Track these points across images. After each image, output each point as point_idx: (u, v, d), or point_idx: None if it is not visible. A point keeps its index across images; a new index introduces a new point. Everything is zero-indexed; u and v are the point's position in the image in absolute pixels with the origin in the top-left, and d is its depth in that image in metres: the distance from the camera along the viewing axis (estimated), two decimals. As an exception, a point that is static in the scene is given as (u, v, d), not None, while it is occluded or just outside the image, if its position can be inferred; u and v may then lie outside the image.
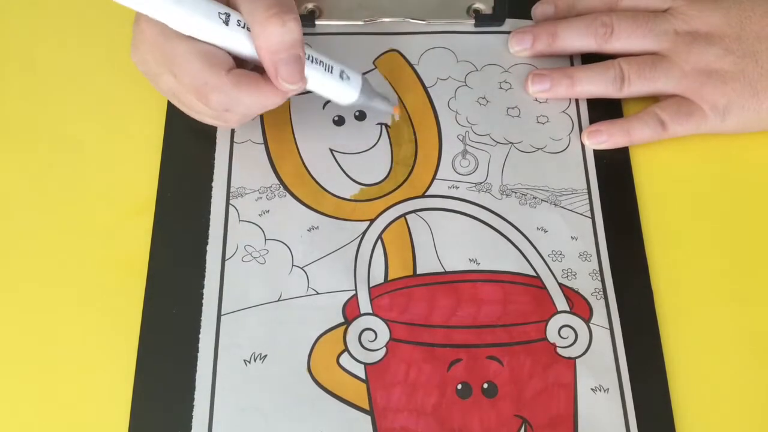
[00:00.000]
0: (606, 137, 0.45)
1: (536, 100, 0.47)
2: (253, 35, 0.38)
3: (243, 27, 0.38)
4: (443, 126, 0.46)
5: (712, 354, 0.40)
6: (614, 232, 0.43)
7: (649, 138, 0.45)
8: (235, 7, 0.39)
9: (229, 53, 0.39)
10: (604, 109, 0.47)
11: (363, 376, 0.39)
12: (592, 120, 0.47)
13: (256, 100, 0.39)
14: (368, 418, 0.38)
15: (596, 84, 0.46)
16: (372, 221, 0.43)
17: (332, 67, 0.41)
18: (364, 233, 0.43)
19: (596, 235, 0.43)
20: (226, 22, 0.38)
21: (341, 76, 0.42)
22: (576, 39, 0.47)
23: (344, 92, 0.42)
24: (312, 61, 0.40)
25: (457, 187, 0.44)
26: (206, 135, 0.45)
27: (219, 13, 0.38)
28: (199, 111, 0.41)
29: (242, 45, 0.39)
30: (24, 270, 0.42)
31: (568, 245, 0.43)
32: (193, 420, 0.38)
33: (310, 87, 0.41)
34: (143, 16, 0.38)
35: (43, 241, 0.43)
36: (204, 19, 0.37)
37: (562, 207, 0.44)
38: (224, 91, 0.38)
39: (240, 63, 0.40)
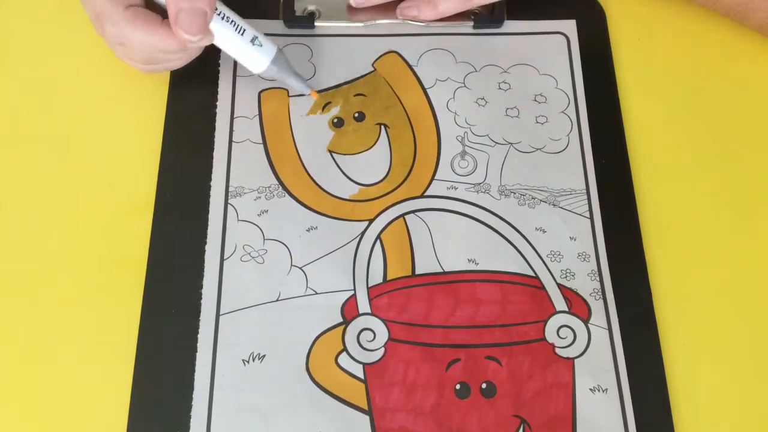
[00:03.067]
0: (416, 12, 0.48)
1: (534, 100, 0.47)
2: None
3: None
4: (442, 127, 0.46)
5: (711, 354, 0.40)
6: (613, 232, 0.43)
7: (453, 9, 0.48)
8: None
9: None
10: (604, 110, 0.47)
11: (361, 376, 0.39)
12: (592, 120, 0.47)
13: (148, 39, 0.41)
14: (367, 418, 0.38)
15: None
16: (371, 221, 0.43)
17: (244, 30, 0.43)
18: (362, 233, 0.43)
19: (595, 235, 0.43)
20: None
21: (252, 42, 0.43)
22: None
23: (254, 58, 0.44)
24: (223, 18, 0.42)
25: (456, 188, 0.44)
26: (205, 135, 0.46)
27: None
28: (110, 45, 0.43)
29: None
30: (23, 269, 0.42)
31: (567, 245, 0.43)
32: (191, 420, 0.38)
33: (217, 44, 0.43)
34: None
35: (43, 241, 0.43)
36: None
37: (561, 207, 0.44)
38: (117, 25, 0.41)
39: (160, 12, 0.42)
